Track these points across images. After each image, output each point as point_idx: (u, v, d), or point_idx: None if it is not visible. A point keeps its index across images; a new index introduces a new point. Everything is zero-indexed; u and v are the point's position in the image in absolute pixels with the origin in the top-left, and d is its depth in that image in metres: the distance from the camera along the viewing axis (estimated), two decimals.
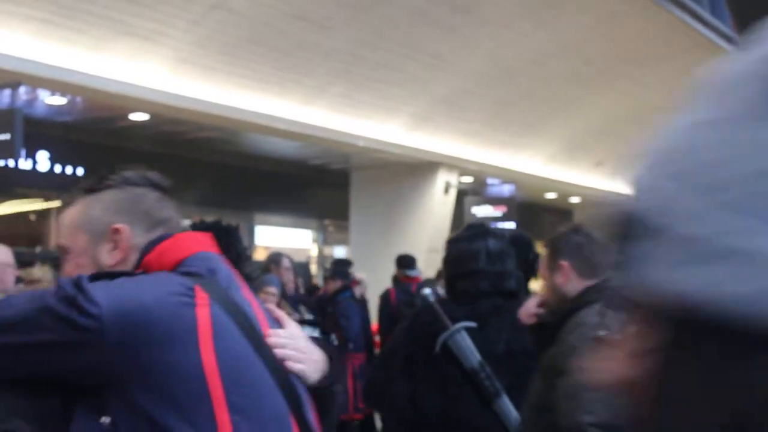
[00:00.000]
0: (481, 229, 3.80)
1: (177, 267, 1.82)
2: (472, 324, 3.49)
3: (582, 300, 3.02)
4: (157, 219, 1.92)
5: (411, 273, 10.12)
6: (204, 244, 1.90)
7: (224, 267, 1.87)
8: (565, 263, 3.12)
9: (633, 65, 15.87)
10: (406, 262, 10.21)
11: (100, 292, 1.63)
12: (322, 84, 12.69)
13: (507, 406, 3.46)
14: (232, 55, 11.29)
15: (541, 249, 3.74)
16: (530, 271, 4.71)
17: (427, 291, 3.91)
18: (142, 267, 1.83)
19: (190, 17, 10.43)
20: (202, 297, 1.73)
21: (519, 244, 4.55)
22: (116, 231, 1.87)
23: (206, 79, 11.35)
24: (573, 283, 3.09)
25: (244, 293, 1.87)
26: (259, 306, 1.91)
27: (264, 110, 12.26)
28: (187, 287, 1.73)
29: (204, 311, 1.71)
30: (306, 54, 11.98)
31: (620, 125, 17.92)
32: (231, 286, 1.83)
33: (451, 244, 3.78)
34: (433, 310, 3.56)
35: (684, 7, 15.08)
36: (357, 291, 9.22)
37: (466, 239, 3.72)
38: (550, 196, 20.99)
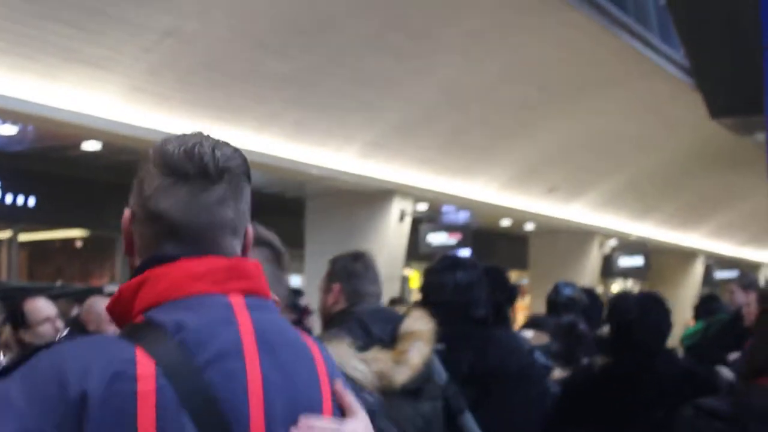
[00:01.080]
0: (451, 261, 4.16)
1: (149, 311, 1.47)
2: (440, 346, 3.70)
3: (336, 321, 3.39)
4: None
5: None
6: (217, 282, 1.50)
7: (229, 329, 1.46)
8: (336, 286, 3.54)
9: (585, 91, 16.07)
10: None
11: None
12: (277, 111, 12.71)
13: (470, 422, 3.67)
14: (185, 83, 11.28)
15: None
16: (509, 300, 5.07)
17: None
18: (118, 299, 1.53)
19: (143, 44, 10.41)
20: (145, 367, 1.36)
21: (494, 276, 4.89)
22: None
23: (159, 107, 11.32)
24: (340, 305, 3.49)
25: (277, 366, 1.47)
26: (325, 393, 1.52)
27: (218, 138, 12.20)
28: (125, 358, 1.36)
29: (146, 388, 1.34)
30: (260, 81, 12.00)
31: (573, 151, 18.12)
32: (225, 358, 1.42)
33: (425, 274, 4.18)
34: None
35: (634, 34, 15.32)
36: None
37: (437, 271, 4.09)
38: (505, 223, 21.11)
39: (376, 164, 15.07)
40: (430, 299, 3.96)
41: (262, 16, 11.08)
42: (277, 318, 1.55)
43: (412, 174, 15.93)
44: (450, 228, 17.90)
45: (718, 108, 13.96)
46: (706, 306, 9.00)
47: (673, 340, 16.68)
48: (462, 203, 17.68)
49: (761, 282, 8.07)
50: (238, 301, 1.49)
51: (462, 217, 17.97)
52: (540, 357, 5.48)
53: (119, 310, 1.50)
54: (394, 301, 13.36)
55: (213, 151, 1.57)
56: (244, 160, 1.62)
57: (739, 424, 3.01)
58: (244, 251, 1.60)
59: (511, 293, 5.23)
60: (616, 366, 4.12)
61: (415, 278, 21.20)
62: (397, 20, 12.31)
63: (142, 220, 1.56)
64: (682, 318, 25.72)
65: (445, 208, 18.14)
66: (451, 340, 3.76)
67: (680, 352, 9.88)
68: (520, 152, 17.33)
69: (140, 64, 10.63)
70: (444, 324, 3.74)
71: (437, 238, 17.87)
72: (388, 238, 16.18)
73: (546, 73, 14.99)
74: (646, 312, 4.10)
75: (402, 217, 16.29)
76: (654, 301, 4.24)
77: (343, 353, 2.49)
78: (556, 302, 6.79)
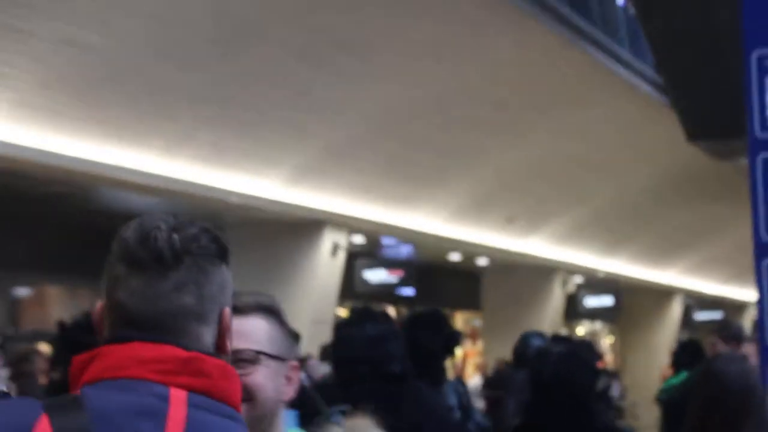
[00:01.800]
0: (362, 312, 4.37)
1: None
2: (345, 407, 3.81)
3: None
4: None
5: None
6: (164, 372, 1.65)
7: (152, 421, 1.61)
8: None
9: (546, 111, 16.31)
10: None
11: None
12: (188, 130, 12.73)
13: None
14: (82, 98, 11.29)
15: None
16: (447, 349, 5.25)
17: (301, 375, 4.44)
18: (72, 370, 1.71)
19: (34, 54, 10.44)
20: None
21: (429, 320, 5.23)
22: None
23: (52, 125, 11.31)
24: None
25: None
26: None
27: (120, 161, 12.24)
28: (24, 423, 1.57)
29: None
30: (169, 96, 12.03)
31: (533, 178, 18.34)
32: None
33: (336, 328, 4.40)
34: (306, 394, 4.08)
35: (601, 47, 15.60)
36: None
37: (346, 324, 4.33)
38: (455, 257, 21.27)
39: (304, 191, 15.15)
40: (338, 355, 4.21)
41: (171, 23, 11.14)
42: (223, 423, 1.67)
43: (347, 202, 16.02)
44: (390, 263, 17.98)
45: (695, 130, 14.27)
46: (686, 354, 8.92)
47: (650, 391, 16.75)
48: (404, 235, 17.79)
49: (747, 329, 8.26)
50: (178, 396, 1.63)
51: (404, 251, 18.06)
52: (477, 415, 5.63)
53: (71, 380, 1.68)
54: (326, 350, 13.45)
55: (170, 235, 1.71)
56: (214, 239, 1.76)
57: None
58: (221, 336, 1.76)
59: (450, 341, 5.36)
60: (532, 429, 4.40)
61: None
62: (330, 29, 12.44)
63: (107, 309, 1.73)
64: (658, 367, 26.13)
65: (385, 241, 18.20)
66: (358, 400, 3.80)
67: (656, 409, 10.09)
68: (472, 178, 17.50)
69: (30, 77, 10.65)
70: (352, 382, 4.01)
71: (376, 275, 17.95)
72: (319, 274, 16.23)
73: (502, 90, 15.19)
74: (564, 372, 4.33)
75: (335, 251, 16.35)
76: (574, 359, 4.44)
77: (361, 424, 2.62)
78: (524, 355, 6.94)
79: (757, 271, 5.29)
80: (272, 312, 2.32)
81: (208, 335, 1.72)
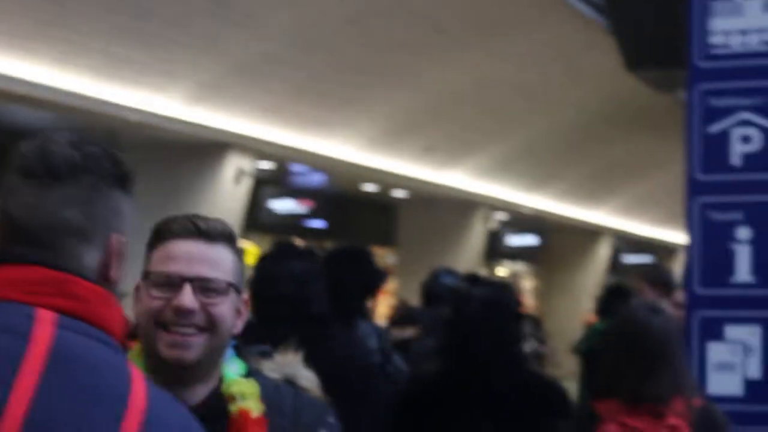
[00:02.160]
0: (287, 249, 4.51)
1: None
2: (265, 348, 3.81)
3: None
4: None
5: None
6: (31, 293, 1.68)
7: (13, 340, 1.63)
8: None
9: (472, 33, 16.27)
10: None
11: None
12: (81, 39, 12.53)
13: None
14: None
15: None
16: (370, 289, 5.45)
17: None
18: None
19: None
20: None
21: (354, 258, 5.36)
22: None
23: None
24: None
25: None
26: None
27: (7, 71, 12.05)
28: None
29: None
30: (63, 1, 11.81)
31: (457, 104, 18.34)
32: None
33: (257, 263, 4.43)
34: None
35: None
36: None
37: (270, 259, 4.40)
38: (370, 188, 21.27)
39: (208, 110, 15.01)
40: (260, 294, 4.25)
41: None
42: (94, 346, 1.66)
43: (254, 125, 15.91)
44: (300, 193, 17.95)
45: (635, 58, 14.37)
46: (612, 300, 8.97)
47: (573, 334, 17.08)
48: (316, 162, 17.73)
49: (677, 275, 8.35)
50: (45, 315, 1.64)
51: (315, 179, 18.02)
52: (397, 360, 5.67)
53: None
54: None
55: (70, 150, 1.75)
56: (116, 163, 1.79)
57: None
58: (106, 263, 1.79)
59: (375, 280, 5.48)
60: (446, 376, 4.54)
61: (254, 253, 21.21)
62: None
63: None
64: (581, 312, 26.49)
65: (295, 168, 18.13)
66: (278, 340, 3.86)
67: (574, 359, 10.17)
68: (392, 103, 17.46)
69: None
70: (274, 322, 4.12)
71: (283, 205, 17.92)
72: (221, 202, 16.14)
73: (429, 8, 15.12)
74: (487, 316, 4.44)
75: (239, 178, 16.26)
76: (498, 304, 4.55)
77: (291, 361, 2.75)
78: (434, 292, 7.09)
79: (687, 210, 5.31)
80: (234, 241, 2.42)
81: (90, 257, 1.75)
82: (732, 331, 5.22)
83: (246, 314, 2.45)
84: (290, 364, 2.70)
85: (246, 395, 2.38)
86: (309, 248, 4.75)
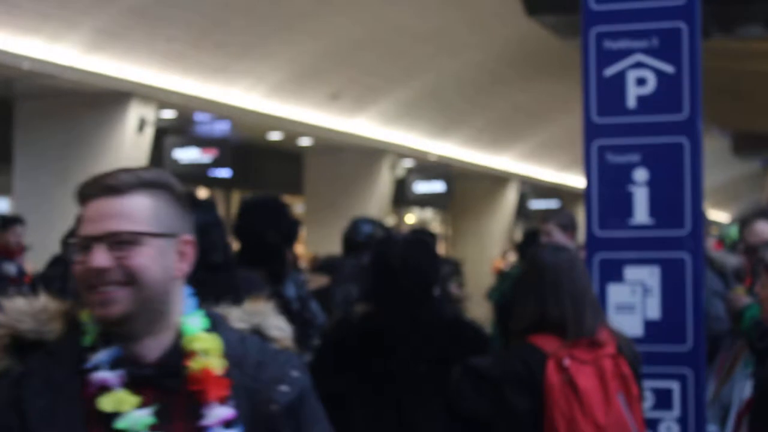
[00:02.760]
0: (187, 200, 4.41)
1: None
2: None
3: None
4: None
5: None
6: None
7: None
8: None
9: None
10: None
11: None
12: None
13: None
14: None
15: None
16: (288, 240, 5.55)
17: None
18: None
19: None
20: None
21: (269, 210, 5.48)
22: None
23: None
24: None
25: None
26: None
27: None
28: None
29: None
30: None
31: (361, 50, 18.31)
32: None
33: None
34: None
35: None
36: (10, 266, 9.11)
37: None
38: (275, 136, 21.21)
39: (107, 59, 14.79)
40: None
41: None
42: None
43: (156, 73, 15.73)
44: (204, 142, 17.83)
45: (534, 3, 14.42)
46: (530, 245, 8.96)
47: (482, 283, 17.32)
48: (219, 111, 17.62)
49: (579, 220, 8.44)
50: None
51: (219, 128, 17.92)
52: (314, 306, 5.78)
53: None
54: None
55: None
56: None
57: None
58: None
59: (292, 231, 5.62)
60: (375, 317, 4.65)
61: None
62: None
63: None
64: (490, 258, 26.72)
65: (198, 117, 18.01)
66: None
67: (488, 308, 10.28)
68: (294, 49, 17.38)
69: None
70: None
71: (187, 155, 17.80)
72: (123, 152, 15.98)
73: None
74: (411, 258, 4.59)
75: (141, 127, 16.11)
76: (420, 246, 4.71)
77: (261, 309, 2.64)
78: (355, 241, 7.30)
79: (585, 153, 5.35)
80: (158, 186, 2.37)
81: None
82: (631, 273, 5.27)
83: (191, 256, 2.42)
84: (259, 313, 2.60)
85: (207, 351, 2.33)
86: (208, 199, 4.85)
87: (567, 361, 3.95)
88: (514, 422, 3.95)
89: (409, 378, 4.47)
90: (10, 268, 9.00)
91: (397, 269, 4.56)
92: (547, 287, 4.13)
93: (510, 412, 3.94)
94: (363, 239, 7.14)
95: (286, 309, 4.73)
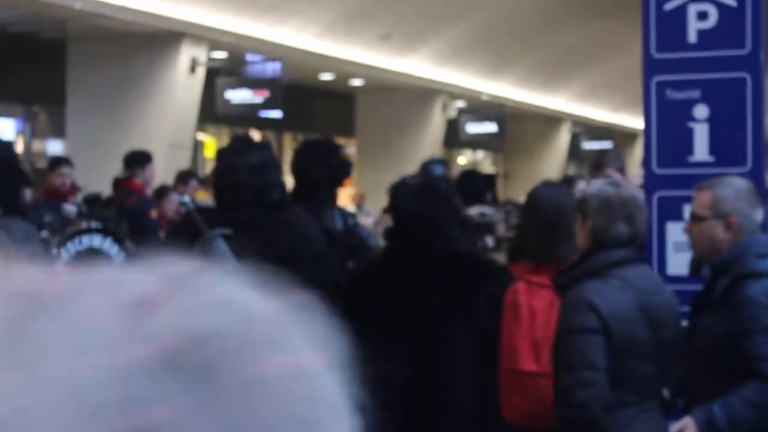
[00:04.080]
0: (245, 142, 5.08)
1: None
2: (227, 231, 4.50)
3: None
4: None
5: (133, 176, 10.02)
6: None
7: None
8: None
9: None
10: (136, 159, 10.08)
11: None
12: None
13: None
14: None
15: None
16: (335, 178, 5.76)
17: (186, 199, 6.08)
18: None
19: None
20: None
21: (320, 151, 5.74)
22: None
23: None
24: None
25: None
26: None
27: None
28: None
29: None
30: None
31: None
32: None
33: (218, 155, 5.05)
34: (191, 218, 4.76)
35: None
36: (71, 203, 9.14)
37: (229, 152, 4.91)
38: (326, 77, 21.15)
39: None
40: (221, 183, 4.79)
41: None
42: None
43: (207, 13, 15.70)
44: (255, 83, 17.81)
45: None
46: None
47: None
48: (271, 51, 17.58)
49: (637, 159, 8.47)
50: None
51: (270, 69, 17.89)
52: (363, 230, 6.01)
53: None
54: (183, 175, 13.33)
55: None
56: None
57: None
58: None
59: (337, 171, 5.78)
60: (387, 257, 5.05)
61: (211, 145, 21.12)
62: None
63: None
64: None
65: (249, 58, 17.99)
66: (239, 225, 4.55)
67: None
68: None
69: None
70: (235, 208, 4.63)
71: (239, 96, 17.79)
72: (176, 94, 16.02)
73: None
74: (419, 204, 4.88)
75: (193, 68, 16.12)
76: (429, 192, 4.99)
77: None
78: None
79: (644, 90, 5.27)
80: None
81: None
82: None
83: None
84: None
85: None
86: (264, 141, 5.38)
87: (520, 285, 4.59)
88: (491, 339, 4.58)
89: (418, 312, 4.71)
90: (70, 209, 9.03)
91: (406, 212, 4.89)
92: (526, 220, 4.88)
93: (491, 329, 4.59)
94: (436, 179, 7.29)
95: (331, 239, 5.08)
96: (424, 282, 4.78)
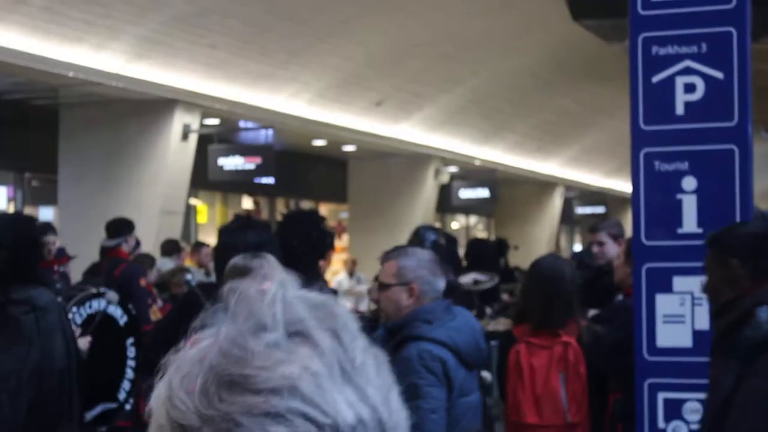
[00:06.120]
0: (243, 221, 5.51)
1: None
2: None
3: None
4: None
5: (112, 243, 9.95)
6: None
7: None
8: None
9: None
10: (122, 226, 10.03)
11: None
12: None
13: None
14: None
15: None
16: (316, 250, 5.94)
17: (188, 276, 6.78)
18: None
19: None
20: None
21: (302, 222, 5.97)
22: None
23: None
24: None
25: None
26: None
27: None
28: None
29: None
30: None
31: (405, 56, 18.27)
32: None
33: (219, 233, 5.50)
34: (194, 294, 5.23)
35: None
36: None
37: (229, 231, 5.38)
38: (319, 143, 21.19)
39: (151, 66, 14.84)
40: (222, 260, 5.07)
41: None
42: None
43: (200, 80, 15.76)
44: (248, 149, 17.83)
45: (580, 8, 14.34)
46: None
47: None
48: (263, 118, 17.62)
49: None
50: None
51: (263, 136, 17.92)
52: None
53: None
54: (169, 244, 13.30)
55: None
56: None
57: None
58: None
59: (323, 244, 6.00)
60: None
61: (203, 211, 21.11)
62: None
63: None
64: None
65: (242, 124, 18.03)
66: None
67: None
68: (339, 56, 17.37)
69: None
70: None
71: (232, 162, 17.79)
72: (168, 160, 16.03)
73: None
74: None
75: (186, 135, 16.15)
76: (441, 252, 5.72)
77: None
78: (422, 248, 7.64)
79: (633, 161, 5.28)
80: None
81: None
82: (680, 283, 5.19)
83: None
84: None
85: None
86: (264, 221, 5.89)
87: (521, 346, 5.23)
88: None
89: None
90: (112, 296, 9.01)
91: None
92: (527, 287, 5.54)
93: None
94: (428, 246, 7.27)
95: None
96: None
